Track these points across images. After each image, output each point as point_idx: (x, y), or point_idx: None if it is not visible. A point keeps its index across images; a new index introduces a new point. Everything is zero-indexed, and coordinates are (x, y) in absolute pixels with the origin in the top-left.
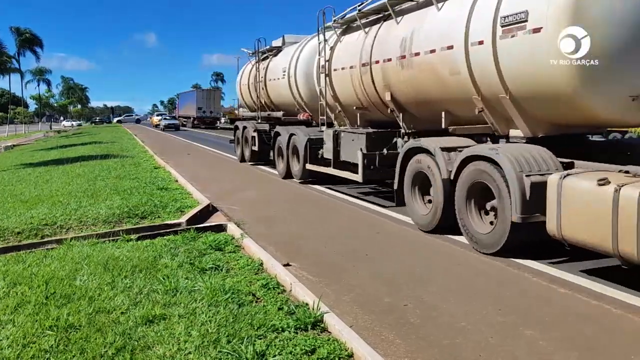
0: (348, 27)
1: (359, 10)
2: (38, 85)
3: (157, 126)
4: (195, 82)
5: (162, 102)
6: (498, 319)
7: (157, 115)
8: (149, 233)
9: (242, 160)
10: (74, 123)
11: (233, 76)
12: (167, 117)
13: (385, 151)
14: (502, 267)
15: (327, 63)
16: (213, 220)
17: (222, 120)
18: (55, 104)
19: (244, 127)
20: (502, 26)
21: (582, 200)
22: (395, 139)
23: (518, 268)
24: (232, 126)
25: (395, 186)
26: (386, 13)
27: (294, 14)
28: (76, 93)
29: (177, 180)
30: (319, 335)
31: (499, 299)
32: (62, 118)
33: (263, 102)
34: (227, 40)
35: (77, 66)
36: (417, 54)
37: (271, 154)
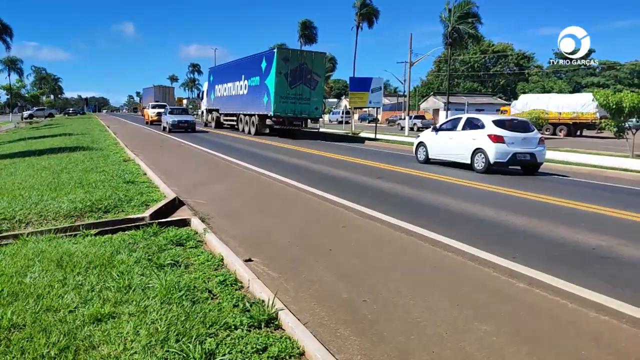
0: None
1: None
2: (9, 75)
3: (151, 123)
4: (171, 73)
5: (137, 93)
6: (454, 314)
7: (154, 107)
8: (110, 228)
9: None
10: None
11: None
12: (175, 111)
13: None
14: (461, 262)
15: None
16: (178, 215)
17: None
18: (27, 95)
19: None
20: None
21: None
22: None
23: (479, 263)
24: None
25: None
26: None
27: (278, 9)
28: (49, 83)
29: (145, 174)
30: (272, 332)
31: (456, 294)
32: (34, 108)
33: None
34: (204, 31)
35: (51, 56)
36: None
37: None
